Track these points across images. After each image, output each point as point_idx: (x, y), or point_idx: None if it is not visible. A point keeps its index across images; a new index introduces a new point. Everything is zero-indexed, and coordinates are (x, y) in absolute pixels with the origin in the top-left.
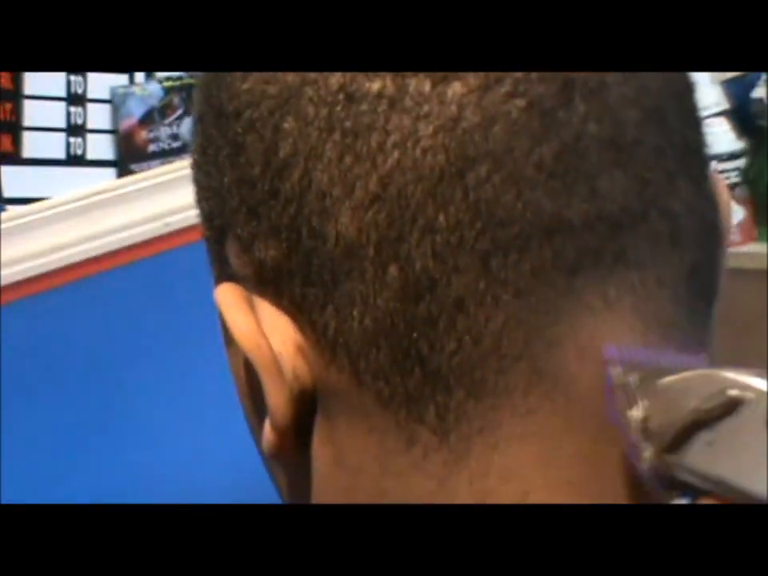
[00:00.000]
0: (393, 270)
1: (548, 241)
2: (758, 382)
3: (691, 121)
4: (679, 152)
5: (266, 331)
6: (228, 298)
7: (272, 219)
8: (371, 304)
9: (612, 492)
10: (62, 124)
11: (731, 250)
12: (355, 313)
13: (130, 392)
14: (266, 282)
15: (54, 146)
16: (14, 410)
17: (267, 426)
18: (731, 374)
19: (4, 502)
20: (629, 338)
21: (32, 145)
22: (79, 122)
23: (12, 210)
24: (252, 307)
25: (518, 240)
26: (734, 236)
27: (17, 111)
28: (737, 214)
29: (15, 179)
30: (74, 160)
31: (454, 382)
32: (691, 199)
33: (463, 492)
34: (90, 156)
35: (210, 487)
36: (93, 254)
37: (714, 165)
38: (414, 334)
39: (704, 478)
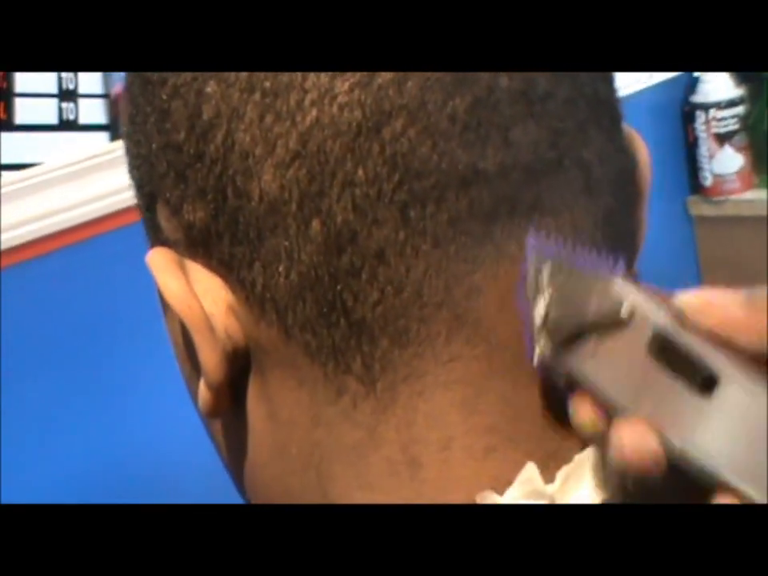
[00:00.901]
0: (315, 224)
1: (464, 191)
2: (651, 308)
3: (602, 74)
4: (590, 103)
5: (199, 293)
6: (159, 261)
7: (198, 182)
8: (296, 258)
9: (535, 436)
10: (54, 90)
11: (732, 197)
12: (281, 268)
13: (127, 357)
14: (196, 244)
15: (46, 111)
16: (8, 375)
17: (202, 386)
18: (632, 291)
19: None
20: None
21: (24, 111)
22: (71, 87)
23: (6, 175)
24: (184, 270)
25: (434, 191)
26: (734, 184)
27: (8, 78)
28: (736, 161)
29: (8, 146)
30: (67, 125)
31: (378, 332)
32: (603, 149)
33: (391, 440)
34: (82, 121)
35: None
36: (88, 217)
37: (714, 112)
38: (338, 286)
39: (584, 382)
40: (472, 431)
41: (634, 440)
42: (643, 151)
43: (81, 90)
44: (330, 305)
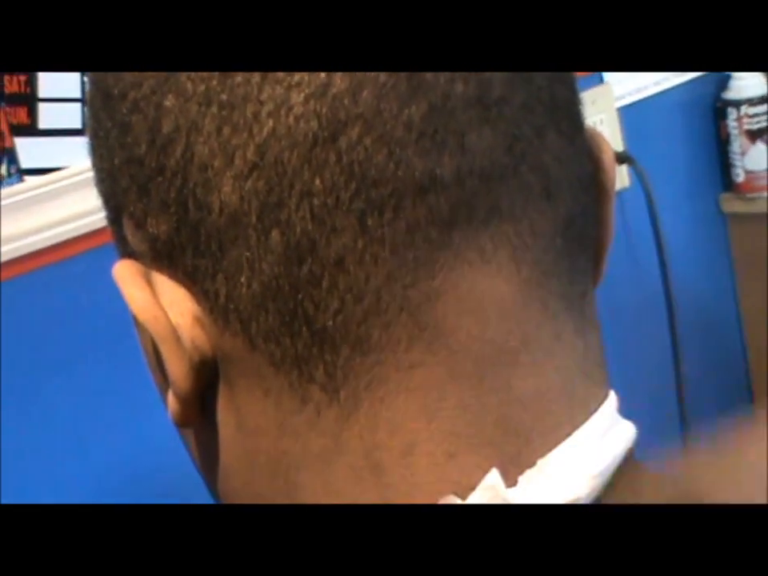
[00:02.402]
0: (275, 234)
1: (421, 198)
2: None
3: (560, 77)
4: (548, 108)
5: (165, 304)
6: (124, 274)
7: (160, 195)
8: (257, 269)
9: (496, 440)
10: (77, 94)
11: (765, 194)
12: (243, 279)
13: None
14: (160, 257)
15: (70, 116)
16: (21, 377)
17: (171, 396)
18: None
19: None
20: (506, 289)
21: (47, 116)
22: None
23: (30, 180)
24: (150, 282)
25: (392, 198)
26: (763, 180)
27: (31, 83)
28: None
29: (32, 151)
30: None
31: (339, 340)
32: (563, 153)
33: (355, 447)
34: None
35: None
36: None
37: (746, 108)
38: (299, 296)
39: None
40: (434, 437)
41: None
42: (608, 151)
43: None
44: (292, 314)
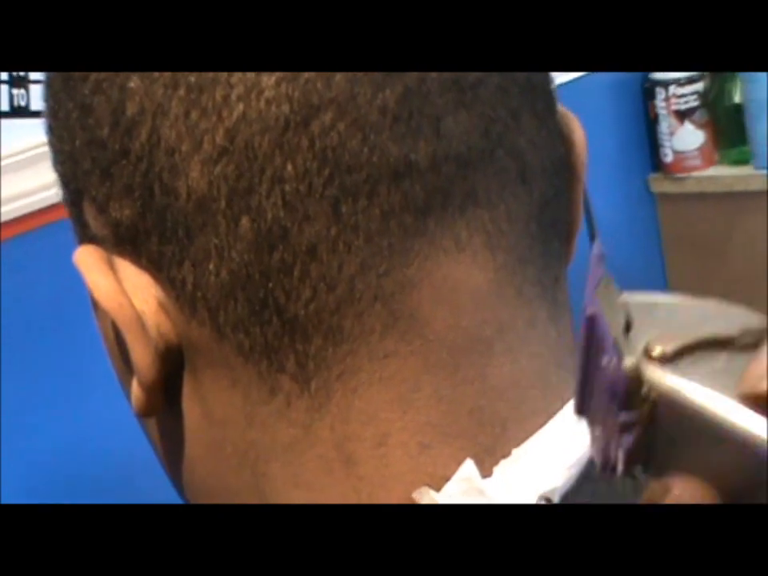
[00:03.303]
0: (245, 221)
1: (396, 184)
2: None
3: None
4: (523, 90)
5: (128, 291)
6: (87, 259)
7: (124, 179)
8: (226, 256)
9: (470, 431)
10: (5, 76)
11: (693, 174)
12: (211, 266)
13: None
14: (123, 242)
15: None
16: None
17: (135, 385)
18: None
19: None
20: (481, 276)
21: None
22: (22, 73)
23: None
24: (113, 268)
25: (366, 185)
26: (695, 160)
27: None
28: (697, 138)
29: None
30: (18, 111)
31: (311, 330)
32: (537, 135)
33: (326, 438)
34: (34, 107)
35: None
36: (42, 205)
37: (674, 89)
38: (270, 284)
39: (698, 394)
40: (407, 427)
41: None
42: (579, 132)
43: (32, 77)
44: (262, 303)
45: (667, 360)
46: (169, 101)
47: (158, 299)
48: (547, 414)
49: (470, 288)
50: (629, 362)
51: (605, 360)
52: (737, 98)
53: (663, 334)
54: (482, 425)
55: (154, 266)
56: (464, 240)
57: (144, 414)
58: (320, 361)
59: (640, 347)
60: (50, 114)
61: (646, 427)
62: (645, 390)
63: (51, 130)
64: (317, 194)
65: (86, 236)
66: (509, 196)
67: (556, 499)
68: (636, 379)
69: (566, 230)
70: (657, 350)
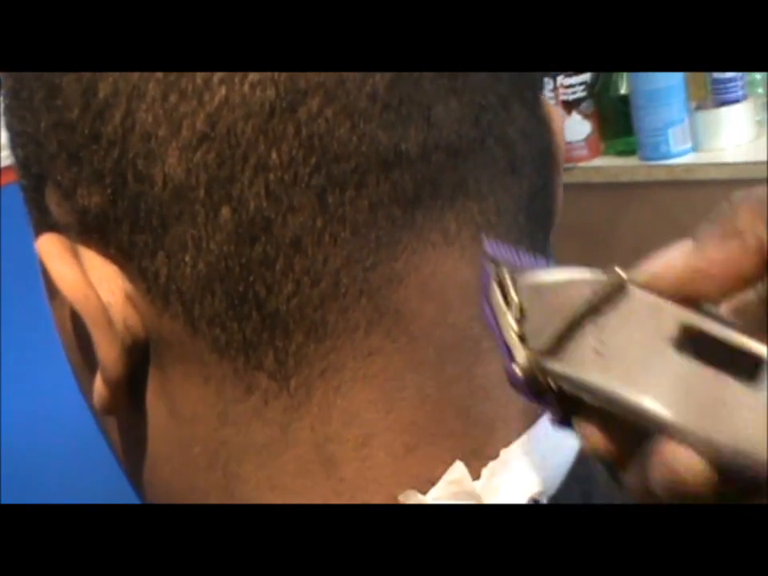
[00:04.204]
0: (225, 211)
1: (385, 174)
2: (661, 300)
3: None
4: (513, 76)
5: (93, 282)
6: (51, 248)
7: (94, 164)
8: (204, 248)
9: (458, 432)
10: None
11: (579, 164)
12: (187, 258)
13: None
14: (90, 230)
15: None
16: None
17: (98, 381)
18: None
19: None
20: (470, 271)
21: None
22: None
23: None
24: (77, 257)
25: (354, 175)
26: (582, 150)
27: None
28: (584, 128)
29: None
30: None
31: (293, 325)
32: (526, 124)
33: (305, 439)
34: None
35: None
36: None
37: (561, 79)
38: (251, 277)
39: (587, 387)
40: (392, 428)
41: (679, 467)
42: (558, 121)
43: None
44: (241, 297)
45: (551, 350)
46: (145, 83)
47: (125, 291)
48: (536, 413)
49: (457, 284)
50: (520, 361)
51: (505, 361)
52: (623, 89)
53: (546, 321)
54: (469, 425)
55: (124, 256)
56: (453, 233)
57: (106, 410)
58: (301, 358)
59: (531, 341)
60: (10, 94)
61: (556, 405)
62: (542, 380)
63: (11, 110)
64: (302, 184)
65: (45, 223)
66: (498, 187)
67: (545, 500)
68: (531, 375)
69: (550, 222)
70: (541, 342)
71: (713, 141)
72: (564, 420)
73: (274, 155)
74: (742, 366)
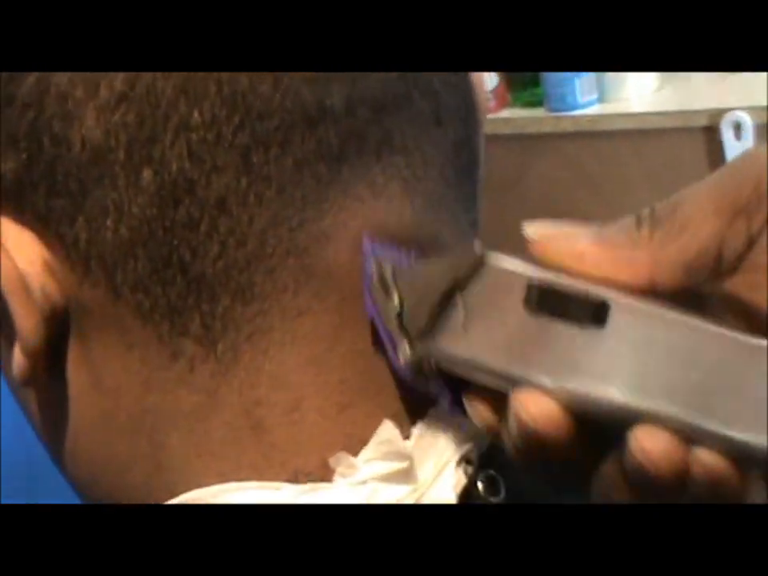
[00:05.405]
0: (147, 173)
1: (310, 131)
2: (514, 261)
3: None
4: None
5: (9, 249)
6: None
7: (8, 127)
8: (126, 211)
9: (389, 389)
10: None
11: (488, 116)
12: (109, 222)
13: None
14: (5, 197)
15: None
16: None
17: (17, 351)
18: (487, 248)
19: None
20: (397, 225)
21: None
22: None
23: None
24: None
25: (278, 132)
26: (489, 102)
27: None
28: (490, 80)
29: None
30: None
31: (219, 288)
32: (449, 76)
33: (233, 404)
34: None
35: None
36: None
37: None
38: (174, 241)
39: (461, 365)
40: (322, 389)
41: (534, 415)
42: (477, 74)
43: None
44: (165, 261)
45: (426, 333)
46: None
47: (43, 259)
48: None
49: (386, 239)
50: (403, 350)
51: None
52: None
53: (421, 307)
54: (400, 383)
55: (41, 222)
56: (380, 186)
57: (25, 382)
58: (228, 321)
59: (410, 329)
60: None
61: (444, 388)
62: (426, 366)
63: None
64: (226, 143)
65: None
66: (424, 140)
67: (475, 458)
68: (415, 362)
69: (476, 174)
70: (416, 328)
71: (618, 91)
72: (455, 401)
73: (195, 114)
74: (595, 316)
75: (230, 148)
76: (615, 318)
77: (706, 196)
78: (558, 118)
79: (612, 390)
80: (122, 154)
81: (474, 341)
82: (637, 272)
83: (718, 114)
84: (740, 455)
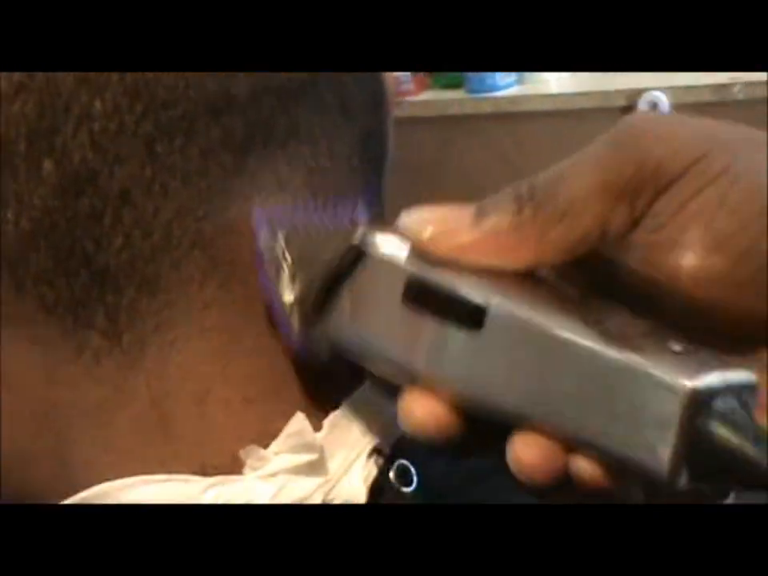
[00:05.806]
0: (48, 164)
1: (215, 120)
2: (396, 253)
3: None
4: None
5: None
6: None
7: None
8: (27, 203)
9: (297, 382)
10: None
11: (408, 99)
12: (10, 215)
13: None
14: None
15: None
16: None
17: None
18: (372, 234)
19: None
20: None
21: None
22: None
23: None
24: None
25: (183, 121)
26: (409, 85)
27: None
28: None
29: None
30: None
31: (123, 281)
32: None
33: (140, 397)
34: None
35: None
36: None
37: None
38: (77, 232)
39: (347, 348)
40: (229, 382)
41: (419, 420)
42: None
43: None
44: (69, 253)
45: (316, 315)
46: None
47: None
48: None
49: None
50: (293, 328)
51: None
52: None
53: (310, 287)
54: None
55: None
56: (285, 178)
57: None
58: (133, 313)
59: (303, 308)
60: None
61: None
62: (318, 347)
63: None
64: (129, 133)
65: None
66: (330, 129)
67: (387, 449)
68: (305, 342)
69: (382, 164)
70: (305, 309)
71: (536, 73)
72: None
73: (97, 103)
74: (471, 318)
75: (134, 137)
76: (492, 321)
77: (588, 175)
78: (477, 99)
79: (492, 394)
80: (22, 146)
81: (360, 329)
82: (521, 258)
83: (636, 93)
84: (615, 465)
